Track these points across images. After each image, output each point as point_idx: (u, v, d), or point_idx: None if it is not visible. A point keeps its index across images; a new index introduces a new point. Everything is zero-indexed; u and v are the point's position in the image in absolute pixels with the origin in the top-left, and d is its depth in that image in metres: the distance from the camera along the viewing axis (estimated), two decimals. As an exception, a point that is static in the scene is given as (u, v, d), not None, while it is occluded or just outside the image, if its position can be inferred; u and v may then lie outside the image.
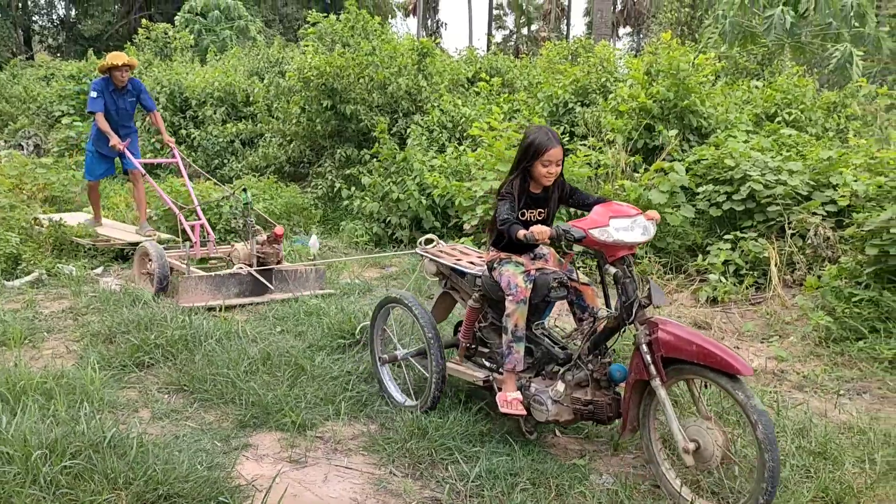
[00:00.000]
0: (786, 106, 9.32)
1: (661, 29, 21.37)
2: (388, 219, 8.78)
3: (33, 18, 39.79)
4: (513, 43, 58.01)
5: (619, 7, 52.73)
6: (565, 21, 58.85)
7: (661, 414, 3.30)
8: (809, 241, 6.54)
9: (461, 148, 9.20)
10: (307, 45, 11.36)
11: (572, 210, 5.79)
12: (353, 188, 9.40)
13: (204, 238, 7.25)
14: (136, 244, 7.26)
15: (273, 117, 11.63)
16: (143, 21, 18.24)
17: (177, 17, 24.72)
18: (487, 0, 53.24)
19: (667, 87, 8.49)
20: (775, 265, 6.46)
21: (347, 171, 10.27)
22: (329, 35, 11.72)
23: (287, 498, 3.31)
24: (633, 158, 8.24)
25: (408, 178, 8.68)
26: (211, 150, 12.59)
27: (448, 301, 4.58)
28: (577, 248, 3.65)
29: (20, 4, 38.78)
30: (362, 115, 10.34)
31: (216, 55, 17.59)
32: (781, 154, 7.53)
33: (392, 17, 52.88)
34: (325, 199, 10.30)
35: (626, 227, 3.34)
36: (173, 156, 8.11)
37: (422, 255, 4.52)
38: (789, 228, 6.74)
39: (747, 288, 6.57)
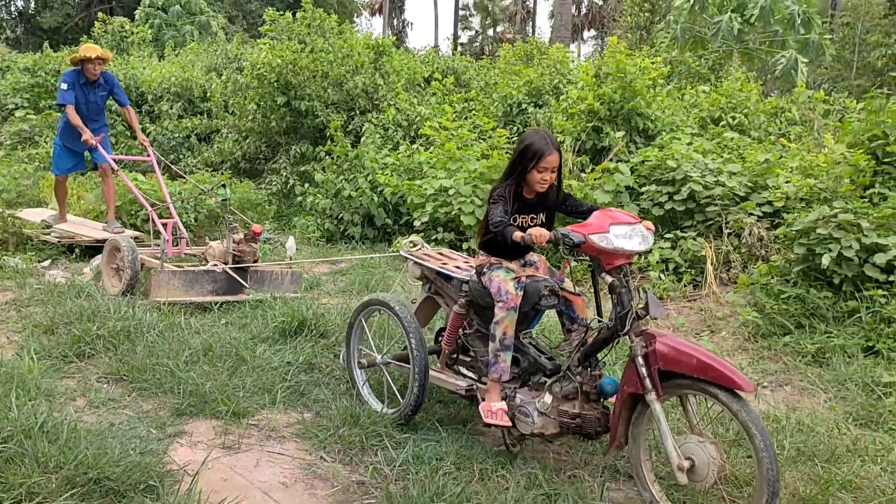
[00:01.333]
0: (731, 110, 9.60)
1: (622, 33, 21.74)
2: (341, 215, 8.86)
3: (-9, 10, 39.12)
4: (478, 44, 58.31)
5: (584, 11, 53.37)
6: (531, 23, 59.33)
7: (653, 430, 3.26)
8: (744, 241, 6.78)
9: (414, 146, 9.31)
10: (264, 43, 11.39)
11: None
12: (306, 185, 9.46)
13: (176, 236, 7.03)
14: (104, 241, 7.06)
15: (229, 113, 11.64)
16: (100, 14, 17.98)
17: (137, 11, 24.49)
18: (453, 1, 53.39)
19: (613, 89, 8.70)
20: (711, 263, 6.68)
21: (302, 168, 10.33)
22: (286, 32, 11.75)
23: (217, 482, 3.40)
24: (580, 159, 8.43)
25: (360, 176, 8.77)
26: (166, 146, 12.53)
27: (430, 306, 4.44)
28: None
29: (-24, -4, 38.10)
30: (318, 110, 10.39)
31: (174, 50, 17.46)
32: (722, 156, 7.78)
33: (357, 16, 52.90)
34: (280, 196, 10.35)
35: (626, 235, 3.25)
36: (147, 154, 7.87)
37: (406, 258, 4.39)
38: (726, 228, 6.97)
39: (685, 285, 6.79)
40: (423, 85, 12.15)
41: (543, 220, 3.76)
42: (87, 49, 7.52)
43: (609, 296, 3.31)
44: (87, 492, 3.15)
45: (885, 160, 6.77)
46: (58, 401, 4.16)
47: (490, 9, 58.18)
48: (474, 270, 3.85)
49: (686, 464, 3.01)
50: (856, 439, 3.97)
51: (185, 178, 9.36)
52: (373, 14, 59.11)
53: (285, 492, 3.39)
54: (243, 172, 11.55)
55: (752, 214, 6.96)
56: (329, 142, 9.52)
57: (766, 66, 13.18)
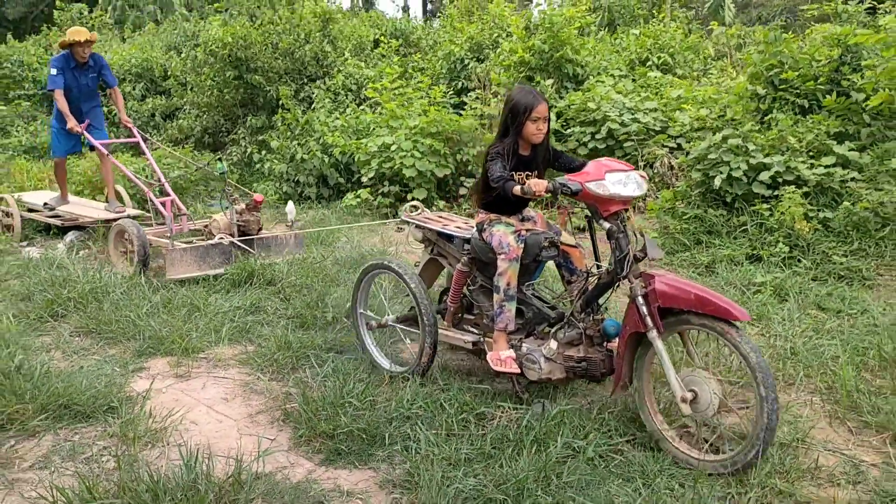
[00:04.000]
0: (657, 51, 10.16)
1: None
2: (297, 178, 9.46)
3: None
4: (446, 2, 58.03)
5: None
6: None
7: (656, 367, 3.41)
8: (656, 171, 7.42)
9: (361, 108, 9.87)
10: (215, 19, 11.85)
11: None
12: (263, 152, 10.03)
13: (177, 213, 7.12)
14: (107, 221, 7.24)
15: (188, 90, 12.14)
16: (58, 2, 18.22)
17: (100, -6, 24.73)
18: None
19: (543, 40, 9.25)
20: (627, 194, 7.32)
21: (260, 138, 10.88)
22: (236, 7, 12.20)
23: (169, 402, 4.07)
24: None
25: (311, 140, 9.35)
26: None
27: (433, 268, 4.56)
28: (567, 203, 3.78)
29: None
30: (266, 84, 10.91)
31: (133, 31, 17.82)
32: (640, 95, 8.38)
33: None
34: (241, 165, 10.91)
35: (621, 182, 3.33)
36: (132, 135, 8.03)
37: (408, 222, 4.51)
38: (641, 160, 7.61)
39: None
40: (371, 48, 12.64)
41: (539, 176, 3.86)
42: (75, 32, 7.58)
43: (608, 242, 3.42)
44: (58, 415, 3.83)
45: (781, 87, 7.38)
46: (34, 352, 4.81)
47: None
48: (475, 228, 4.00)
49: (689, 395, 3.13)
50: (715, 328, 4.64)
51: (176, 154, 9.64)
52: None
53: (226, 404, 4.07)
54: (206, 146, 12.08)
55: (665, 147, 7.59)
56: (280, 109, 10.07)
57: (697, 4, 13.67)
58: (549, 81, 9.06)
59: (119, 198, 8.48)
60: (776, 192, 6.24)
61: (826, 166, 6.32)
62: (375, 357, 4.40)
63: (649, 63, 9.94)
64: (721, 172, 6.35)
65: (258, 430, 3.75)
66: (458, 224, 4.36)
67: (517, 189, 3.48)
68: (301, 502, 3.09)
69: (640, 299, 3.22)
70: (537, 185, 3.38)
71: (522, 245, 3.74)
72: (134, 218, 7.49)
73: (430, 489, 3.04)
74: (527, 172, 3.83)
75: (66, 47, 7.68)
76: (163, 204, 6.94)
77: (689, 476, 3.12)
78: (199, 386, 4.32)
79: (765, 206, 6.15)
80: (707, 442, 3.28)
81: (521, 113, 3.68)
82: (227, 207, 6.81)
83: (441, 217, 4.58)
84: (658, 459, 3.23)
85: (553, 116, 8.25)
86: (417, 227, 4.43)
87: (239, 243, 6.46)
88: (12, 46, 16.76)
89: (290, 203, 7.33)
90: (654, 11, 13.91)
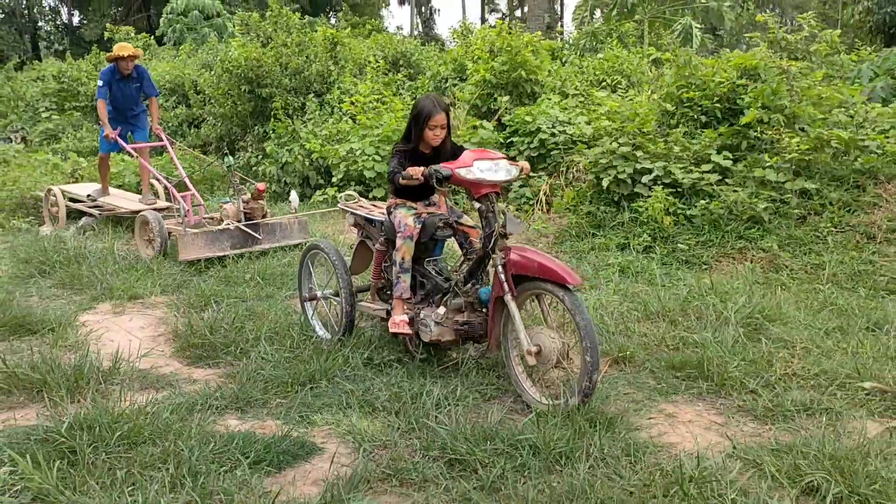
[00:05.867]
0: (614, 73, 11.17)
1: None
2: (284, 179, 10.78)
3: (38, 24, 42.49)
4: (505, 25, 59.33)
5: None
6: (559, 4, 60.14)
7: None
8: (573, 176, 8.45)
9: (343, 118, 11.18)
10: (235, 40, 13.37)
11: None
12: (260, 157, 11.41)
13: (195, 204, 7.87)
14: (138, 212, 8.13)
15: (208, 102, 13.68)
16: (108, 25, 20.23)
17: (162, 18, 26.97)
18: (480, -16, 54.62)
19: (503, 62, 10.39)
20: (544, 194, 8.38)
21: (264, 144, 12.27)
22: (254, 30, 13.70)
23: (99, 327, 5.33)
24: (472, 120, 10.15)
25: (296, 146, 10.67)
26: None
27: (365, 250, 5.03)
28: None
29: (26, 11, 41.45)
30: (276, 96, 12.32)
31: (175, 52, 19.64)
32: (575, 111, 9.42)
33: (385, 7, 54.87)
34: (246, 169, 12.31)
35: (490, 168, 3.80)
36: (162, 140, 9.00)
37: (343, 210, 5.15)
38: (563, 166, 8.64)
39: (531, 214, 8.49)
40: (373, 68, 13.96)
41: None
42: (120, 48, 8.60)
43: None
44: (12, 329, 5.13)
45: (686, 105, 8.34)
46: (16, 294, 6.15)
47: (515, -10, 59.16)
48: (386, 211, 4.57)
49: (534, 349, 3.65)
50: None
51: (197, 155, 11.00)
52: (401, 3, 60.86)
53: (141, 330, 5.32)
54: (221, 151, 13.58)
55: (585, 155, 8.60)
56: (273, 119, 11.45)
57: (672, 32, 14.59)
58: (506, 98, 10.17)
59: (154, 191, 9.67)
60: (651, 193, 7.20)
61: (702, 172, 7.25)
62: (312, 324, 5.07)
63: (604, 84, 10.96)
64: (609, 175, 7.36)
65: (153, 345, 4.97)
66: (383, 210, 4.81)
67: (399, 178, 4.05)
68: (158, 384, 4.28)
69: (500, 268, 3.78)
70: (414, 171, 3.93)
71: (420, 226, 4.27)
72: (163, 210, 8.53)
73: (242, 377, 4.21)
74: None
75: (112, 61, 8.71)
76: (183, 197, 7.70)
77: (421, 370, 4.21)
78: (128, 319, 5.59)
79: (641, 203, 7.13)
80: (550, 389, 3.95)
81: (423, 120, 4.20)
82: (233, 196, 7.71)
83: (372, 205, 5.18)
84: (418, 365, 4.32)
85: (489, 127, 9.35)
86: (351, 213, 5.05)
87: (245, 228, 7.23)
88: (70, 64, 18.74)
89: (293, 192, 8.10)
90: (643, 37, 14.91)
